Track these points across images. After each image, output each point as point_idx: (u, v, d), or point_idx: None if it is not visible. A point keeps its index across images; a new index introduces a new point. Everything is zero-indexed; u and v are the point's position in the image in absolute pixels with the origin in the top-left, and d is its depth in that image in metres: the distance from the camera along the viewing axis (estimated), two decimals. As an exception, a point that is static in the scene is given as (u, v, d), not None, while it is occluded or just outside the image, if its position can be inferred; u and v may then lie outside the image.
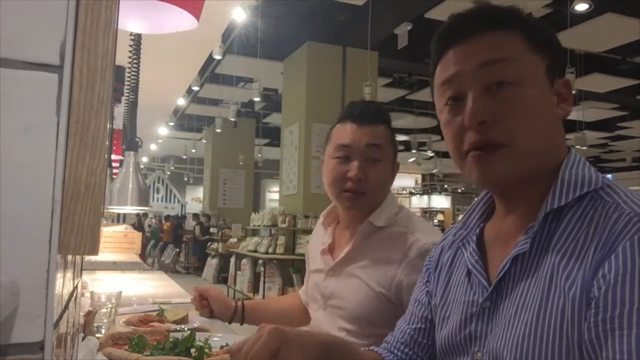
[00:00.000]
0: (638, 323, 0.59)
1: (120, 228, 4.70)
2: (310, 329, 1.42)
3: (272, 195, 16.71)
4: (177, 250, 11.79)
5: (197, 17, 1.45)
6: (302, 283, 1.71)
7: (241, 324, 1.62)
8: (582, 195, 0.72)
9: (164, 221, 14.72)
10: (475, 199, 0.93)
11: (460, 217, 0.96)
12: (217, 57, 5.38)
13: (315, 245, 1.54)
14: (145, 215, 14.34)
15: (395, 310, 1.24)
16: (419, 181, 20.72)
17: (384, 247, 1.33)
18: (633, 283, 0.61)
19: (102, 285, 2.44)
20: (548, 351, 0.67)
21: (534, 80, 0.75)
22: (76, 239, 0.47)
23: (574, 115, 9.03)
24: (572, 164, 0.75)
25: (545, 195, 0.74)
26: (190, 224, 14.14)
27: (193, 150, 13.63)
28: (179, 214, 16.50)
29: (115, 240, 4.10)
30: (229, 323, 1.62)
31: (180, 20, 1.45)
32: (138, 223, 12.93)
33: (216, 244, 10.94)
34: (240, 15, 4.20)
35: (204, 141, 13.56)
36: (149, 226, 14.60)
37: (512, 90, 0.73)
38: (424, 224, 1.41)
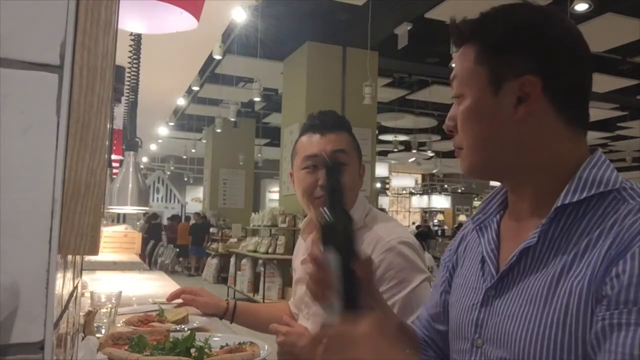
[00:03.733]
0: None
1: (120, 228, 4.69)
2: None
3: (272, 195, 16.70)
4: (177, 250, 11.80)
5: (197, 17, 1.45)
6: (302, 283, 1.72)
7: (230, 322, 1.67)
8: (604, 196, 0.73)
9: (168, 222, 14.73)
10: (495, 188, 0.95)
11: (477, 206, 1.00)
12: (217, 57, 5.36)
13: (297, 256, 1.60)
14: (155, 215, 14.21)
15: None
16: (419, 181, 20.71)
17: None
18: None
19: (102, 285, 2.44)
20: (550, 345, 0.68)
21: (471, 91, 0.81)
22: (76, 239, 0.47)
23: (574, 115, 9.00)
24: (593, 164, 0.77)
25: (559, 192, 0.75)
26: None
27: (193, 150, 13.61)
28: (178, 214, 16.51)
29: (115, 240, 4.10)
30: (220, 319, 1.66)
31: (180, 20, 1.45)
32: (150, 221, 12.82)
33: (216, 244, 10.94)
34: (240, 15, 4.19)
35: (204, 141, 13.54)
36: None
37: (458, 103, 0.83)
38: (388, 221, 1.45)
